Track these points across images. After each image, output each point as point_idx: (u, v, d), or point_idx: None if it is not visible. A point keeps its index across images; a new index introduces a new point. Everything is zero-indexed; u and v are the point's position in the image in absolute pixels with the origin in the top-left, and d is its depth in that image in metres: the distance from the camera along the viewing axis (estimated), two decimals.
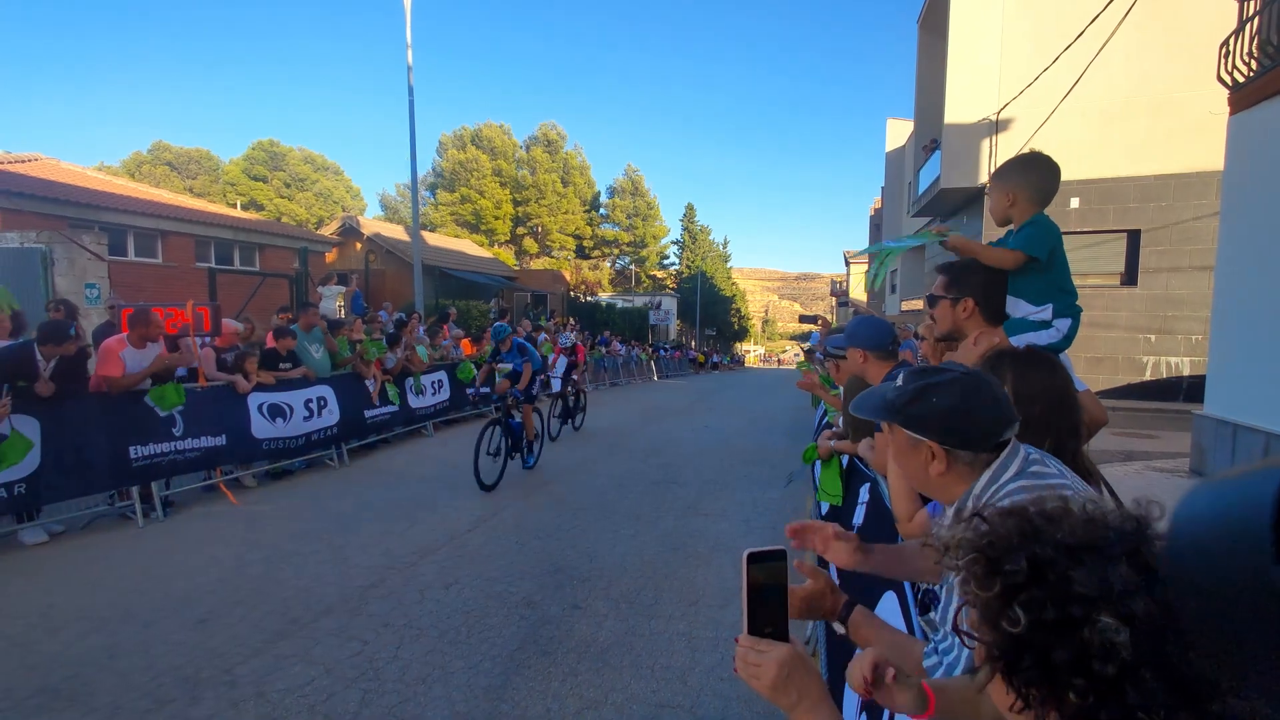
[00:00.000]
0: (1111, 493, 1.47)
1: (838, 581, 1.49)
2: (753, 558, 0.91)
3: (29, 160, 15.95)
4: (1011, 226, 2.12)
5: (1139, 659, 0.52)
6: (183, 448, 5.80)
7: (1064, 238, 2.08)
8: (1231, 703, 0.48)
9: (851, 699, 1.67)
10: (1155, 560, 0.54)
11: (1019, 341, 1.92)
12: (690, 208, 51.38)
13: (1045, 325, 2.03)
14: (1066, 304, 2.04)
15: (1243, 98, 6.41)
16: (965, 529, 0.69)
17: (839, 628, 1.20)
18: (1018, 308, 2.08)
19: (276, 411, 6.74)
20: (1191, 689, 0.50)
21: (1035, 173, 2.05)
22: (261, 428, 6.56)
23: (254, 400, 6.51)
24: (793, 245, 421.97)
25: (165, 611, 3.65)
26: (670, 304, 41.14)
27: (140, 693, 2.85)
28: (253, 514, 5.63)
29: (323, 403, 7.32)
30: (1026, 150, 2.12)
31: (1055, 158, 2.12)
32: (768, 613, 0.92)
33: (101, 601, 3.78)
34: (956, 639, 0.98)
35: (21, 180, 13.41)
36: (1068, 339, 2.04)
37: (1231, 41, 6.46)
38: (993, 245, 2.13)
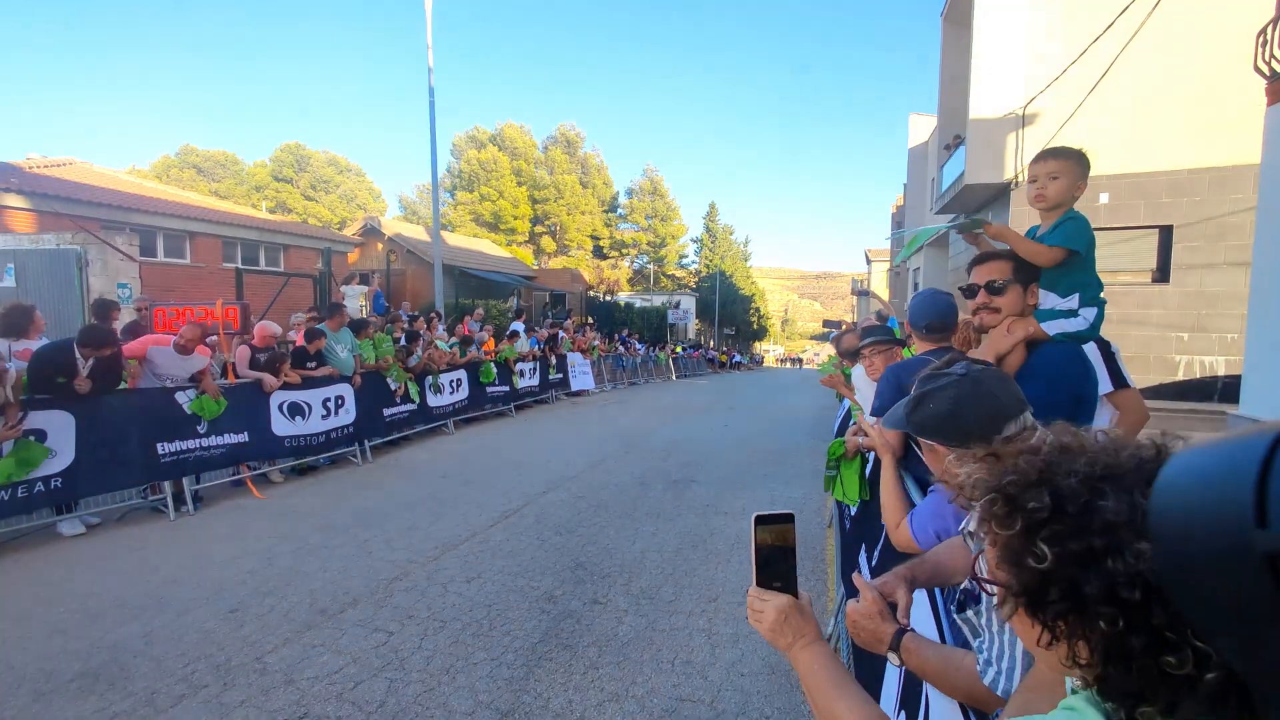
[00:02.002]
0: None
1: (869, 577, 1.47)
2: (760, 520, 0.99)
3: (63, 164, 16.44)
4: (1042, 216, 2.14)
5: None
6: (208, 444, 5.95)
7: (1093, 233, 2.13)
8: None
9: (890, 689, 1.65)
10: None
11: (1049, 329, 2.00)
12: (713, 206, 51.25)
13: (1072, 314, 2.08)
14: (1092, 295, 2.10)
15: None
16: (981, 469, 0.67)
17: (894, 658, 1.16)
18: (1046, 299, 2.13)
19: (296, 410, 6.89)
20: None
21: (1088, 173, 2.11)
22: (281, 425, 6.70)
23: (275, 399, 6.66)
24: (813, 244, 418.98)
25: (198, 601, 3.75)
26: (689, 303, 41.01)
27: (175, 678, 2.93)
28: (280, 508, 5.75)
29: (340, 401, 7.45)
30: (1077, 147, 2.14)
31: (1084, 151, 2.16)
32: (776, 570, 1.01)
33: (137, 591, 3.89)
34: (1005, 644, 0.97)
35: (57, 184, 13.84)
36: (1094, 327, 2.10)
37: (1269, 30, 6.26)
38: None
